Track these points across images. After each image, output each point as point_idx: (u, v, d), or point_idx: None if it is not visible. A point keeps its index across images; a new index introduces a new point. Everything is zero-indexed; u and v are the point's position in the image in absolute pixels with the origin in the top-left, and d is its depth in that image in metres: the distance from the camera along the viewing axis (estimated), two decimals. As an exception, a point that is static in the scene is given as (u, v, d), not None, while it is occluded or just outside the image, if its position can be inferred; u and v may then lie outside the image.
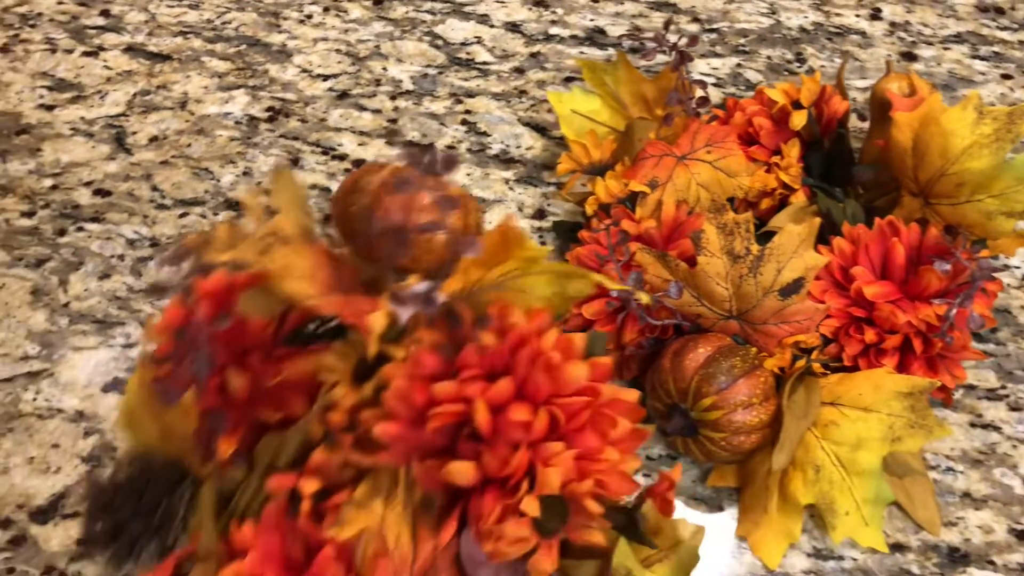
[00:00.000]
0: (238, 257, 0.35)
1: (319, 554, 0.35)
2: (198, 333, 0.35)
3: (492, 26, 0.79)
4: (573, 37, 0.79)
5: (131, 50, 0.77)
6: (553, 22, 0.80)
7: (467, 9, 0.81)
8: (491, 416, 0.34)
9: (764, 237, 0.52)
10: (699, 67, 0.75)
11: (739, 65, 0.76)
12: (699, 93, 0.61)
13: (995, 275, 0.58)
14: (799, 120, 0.59)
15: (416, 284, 0.34)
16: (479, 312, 0.36)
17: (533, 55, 0.77)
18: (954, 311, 0.48)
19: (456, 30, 0.79)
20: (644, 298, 0.40)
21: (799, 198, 0.60)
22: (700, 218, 0.55)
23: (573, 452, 0.34)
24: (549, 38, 0.78)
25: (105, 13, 0.81)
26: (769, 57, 0.76)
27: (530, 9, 0.81)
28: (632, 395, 0.36)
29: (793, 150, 0.60)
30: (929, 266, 0.51)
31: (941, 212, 0.54)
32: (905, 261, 0.52)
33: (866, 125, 0.70)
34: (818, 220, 0.49)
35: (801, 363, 0.50)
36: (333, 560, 0.34)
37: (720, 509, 0.54)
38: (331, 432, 0.36)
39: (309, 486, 0.35)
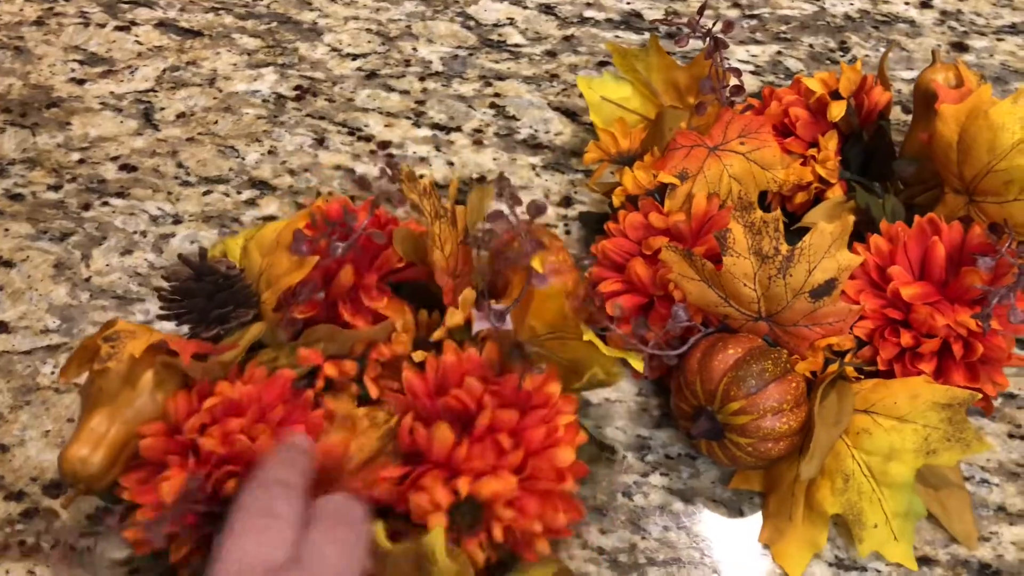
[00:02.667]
0: (421, 204, 0.45)
1: (302, 409, 0.43)
2: (354, 230, 0.44)
3: (526, 7, 0.76)
4: (608, 20, 0.75)
5: (163, 25, 0.76)
6: (588, 4, 0.76)
7: (501, -10, 0.78)
8: (489, 425, 0.40)
9: (798, 233, 0.49)
10: (737, 54, 0.72)
11: (779, 53, 0.72)
12: (733, 81, 0.57)
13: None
14: (837, 111, 0.55)
15: (496, 304, 0.43)
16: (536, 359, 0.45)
17: (566, 38, 0.74)
18: (995, 299, 0.44)
19: (489, 11, 0.76)
20: (637, 365, 0.46)
21: (836, 193, 0.56)
22: (731, 211, 0.51)
23: (516, 488, 0.40)
24: (583, 21, 0.75)
25: (139, -13, 0.79)
26: (811, 45, 0.72)
27: (565, -9, 0.78)
28: (580, 512, 0.43)
29: (831, 142, 0.56)
30: (971, 267, 0.47)
31: (986, 211, 0.50)
32: (945, 261, 0.49)
33: (911, 118, 0.66)
34: (852, 218, 0.45)
35: (834, 367, 0.46)
36: (312, 421, 0.42)
37: (740, 513, 0.51)
38: (366, 356, 0.44)
39: (330, 371, 0.44)
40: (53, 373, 0.57)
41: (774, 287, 0.45)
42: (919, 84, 0.57)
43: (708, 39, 0.55)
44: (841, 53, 0.72)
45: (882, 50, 0.71)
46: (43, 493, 0.52)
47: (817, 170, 0.56)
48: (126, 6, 0.77)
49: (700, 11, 0.57)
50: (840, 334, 0.46)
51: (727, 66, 0.56)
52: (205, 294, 0.44)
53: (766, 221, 0.45)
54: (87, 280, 0.61)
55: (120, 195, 0.65)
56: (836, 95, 0.56)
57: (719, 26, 0.56)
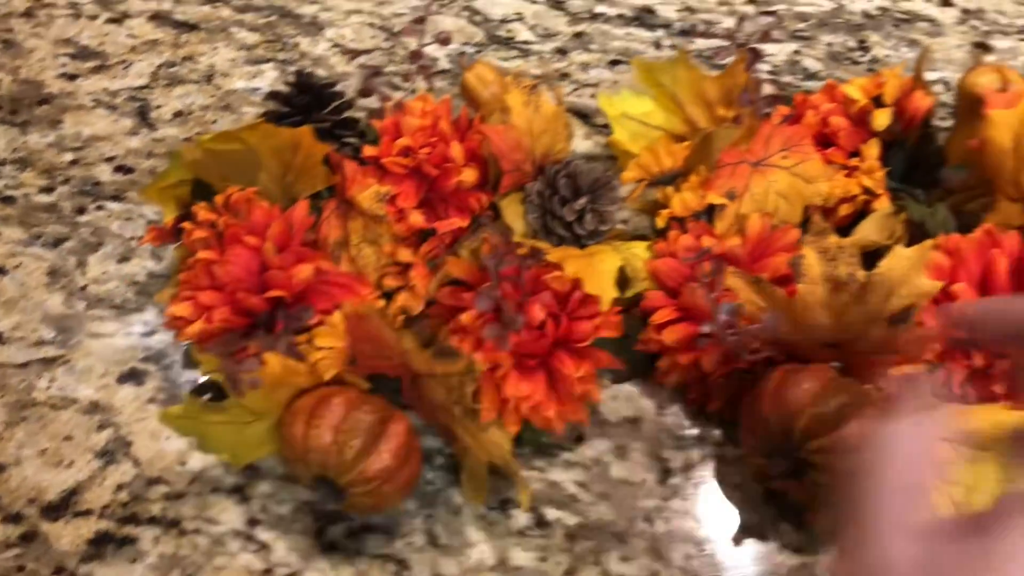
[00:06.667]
0: None
1: None
2: None
3: (535, 2, 0.72)
4: (620, 16, 0.71)
5: (157, 18, 0.71)
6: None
7: (509, -17, 0.74)
8: None
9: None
10: (754, 52, 0.68)
11: (797, 52, 0.68)
12: (767, 91, 0.54)
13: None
14: (883, 120, 0.52)
15: None
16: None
17: (577, 35, 0.70)
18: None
19: (497, 5, 0.72)
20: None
21: (883, 204, 0.53)
22: (787, 232, 0.48)
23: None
24: (594, 17, 0.71)
25: (132, -22, 0.74)
26: (830, 44, 0.69)
27: (575, -15, 0.74)
28: None
29: (873, 151, 0.53)
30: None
31: (1048, 219, 0.47)
32: (1008, 275, 0.46)
33: (940, 123, 0.63)
34: (930, 243, 0.42)
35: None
36: None
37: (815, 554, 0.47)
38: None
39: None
40: (48, 388, 0.53)
41: (848, 314, 0.43)
42: (963, 87, 0.54)
43: (746, 50, 0.52)
44: (861, 52, 0.68)
45: (903, 49, 0.68)
46: (41, 516, 0.48)
47: (863, 181, 0.52)
48: (119, -3, 0.73)
49: (739, 22, 0.53)
50: (915, 361, 0.43)
51: (758, 76, 0.53)
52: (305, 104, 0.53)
53: (842, 247, 0.42)
54: (83, 288, 0.57)
55: (116, 198, 0.61)
56: (876, 102, 0.53)
57: (756, 35, 0.52)
